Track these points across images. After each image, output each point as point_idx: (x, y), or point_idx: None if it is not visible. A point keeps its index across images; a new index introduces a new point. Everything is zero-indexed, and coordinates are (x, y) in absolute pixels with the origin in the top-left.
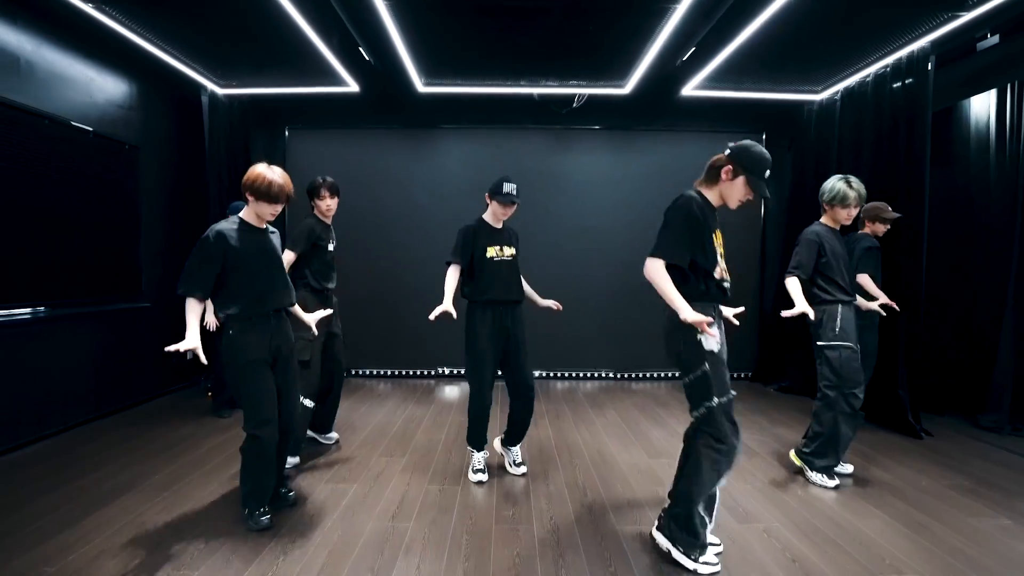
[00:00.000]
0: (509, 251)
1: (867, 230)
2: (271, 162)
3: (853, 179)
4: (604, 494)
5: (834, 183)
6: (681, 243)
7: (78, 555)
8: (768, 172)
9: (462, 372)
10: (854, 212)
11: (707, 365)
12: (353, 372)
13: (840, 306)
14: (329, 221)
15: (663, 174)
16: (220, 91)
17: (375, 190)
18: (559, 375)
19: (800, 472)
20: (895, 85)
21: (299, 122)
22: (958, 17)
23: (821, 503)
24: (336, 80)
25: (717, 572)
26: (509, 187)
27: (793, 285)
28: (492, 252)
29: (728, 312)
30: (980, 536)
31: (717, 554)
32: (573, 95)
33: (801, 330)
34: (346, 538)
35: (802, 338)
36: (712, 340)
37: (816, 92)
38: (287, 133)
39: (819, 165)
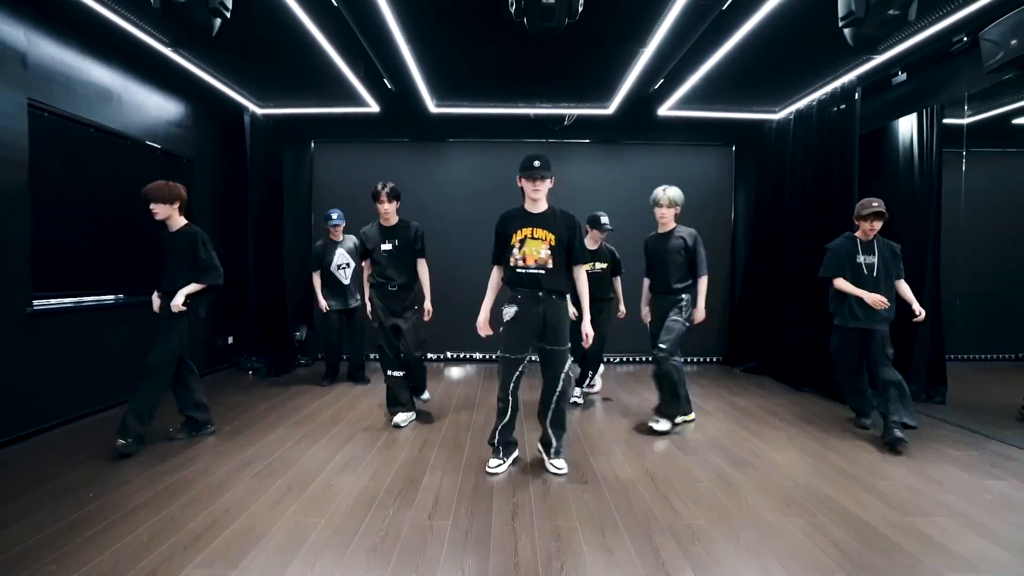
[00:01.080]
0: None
1: (858, 232)
2: (298, 171)
3: (671, 186)
4: (580, 435)
5: None
6: (494, 248)
7: (181, 475)
8: (535, 161)
9: (465, 356)
10: (662, 211)
11: (502, 328)
12: (374, 356)
13: (648, 293)
14: (390, 222)
15: (645, 181)
16: (259, 111)
17: None
18: None
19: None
20: (833, 109)
21: (324, 136)
22: (872, 59)
23: (750, 444)
24: (360, 102)
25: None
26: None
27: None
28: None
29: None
30: (861, 460)
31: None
32: (565, 114)
33: (763, 319)
34: (386, 463)
35: (766, 326)
36: (507, 313)
37: (775, 112)
38: (313, 146)
39: (777, 175)
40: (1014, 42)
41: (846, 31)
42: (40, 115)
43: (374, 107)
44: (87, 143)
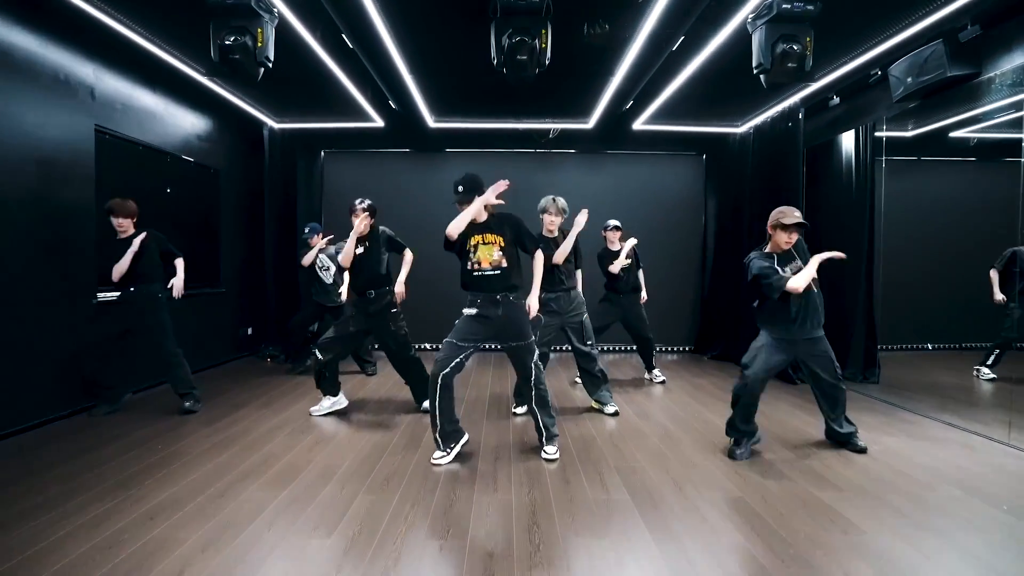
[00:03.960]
0: None
1: (770, 246)
2: (310, 178)
3: (559, 198)
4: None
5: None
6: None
7: (230, 432)
8: (459, 187)
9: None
10: (549, 218)
11: (458, 321)
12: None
13: None
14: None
15: (623, 187)
16: (276, 126)
17: (393, 201)
18: None
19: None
20: (783, 126)
21: (333, 147)
22: (809, 86)
23: (693, 410)
24: (366, 118)
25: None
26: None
27: None
28: None
29: None
30: (782, 418)
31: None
32: (550, 128)
33: (728, 313)
34: (399, 409)
35: (730, 319)
36: (467, 311)
37: (737, 126)
38: (323, 155)
39: (739, 182)
40: (909, 79)
41: (760, 76)
42: (103, 138)
43: (379, 122)
44: (137, 159)
